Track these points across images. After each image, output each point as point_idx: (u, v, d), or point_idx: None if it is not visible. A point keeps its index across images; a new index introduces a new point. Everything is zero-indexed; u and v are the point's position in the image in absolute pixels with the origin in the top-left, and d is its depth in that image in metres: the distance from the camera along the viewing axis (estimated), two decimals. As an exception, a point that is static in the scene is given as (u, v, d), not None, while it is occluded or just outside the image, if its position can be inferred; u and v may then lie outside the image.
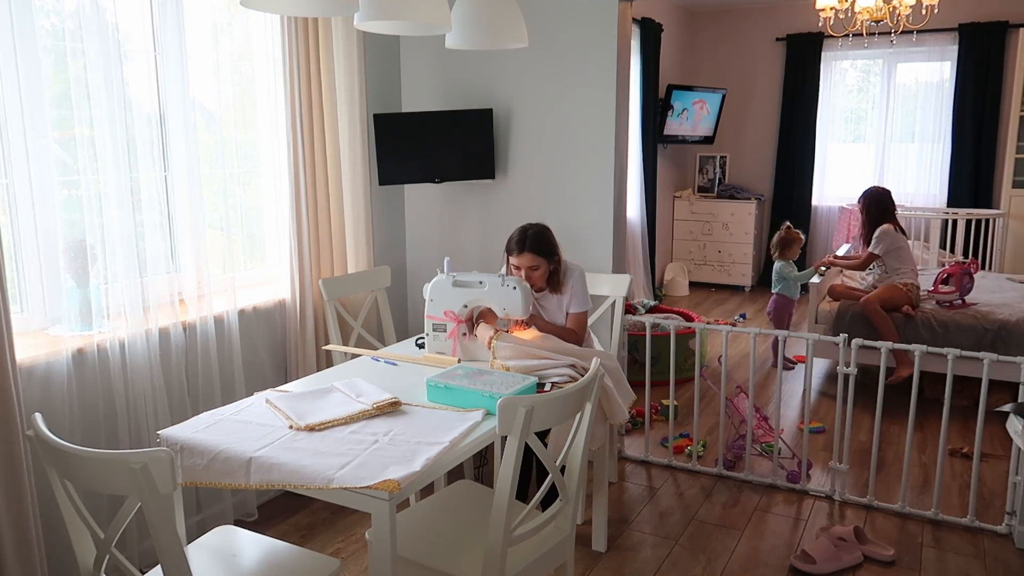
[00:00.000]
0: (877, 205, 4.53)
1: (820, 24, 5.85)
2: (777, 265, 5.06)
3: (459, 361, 2.63)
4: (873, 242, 4.47)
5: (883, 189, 4.62)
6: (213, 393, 2.93)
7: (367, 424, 2.07)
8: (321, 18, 3.23)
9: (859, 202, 4.64)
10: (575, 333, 2.86)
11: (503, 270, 2.92)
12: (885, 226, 4.45)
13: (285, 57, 3.09)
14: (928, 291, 4.49)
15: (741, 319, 6.43)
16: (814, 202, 7.54)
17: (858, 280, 4.92)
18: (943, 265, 5.71)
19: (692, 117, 7.21)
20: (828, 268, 4.85)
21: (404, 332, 4.01)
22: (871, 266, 4.61)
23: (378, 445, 1.93)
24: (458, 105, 3.84)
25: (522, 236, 2.79)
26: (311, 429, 2.03)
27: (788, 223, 5.21)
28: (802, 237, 5.07)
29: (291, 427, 2.04)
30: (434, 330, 2.69)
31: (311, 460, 1.84)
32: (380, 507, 1.73)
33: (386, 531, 1.74)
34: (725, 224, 7.54)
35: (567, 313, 2.90)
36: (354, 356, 2.82)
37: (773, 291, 5.09)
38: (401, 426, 2.06)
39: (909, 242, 4.63)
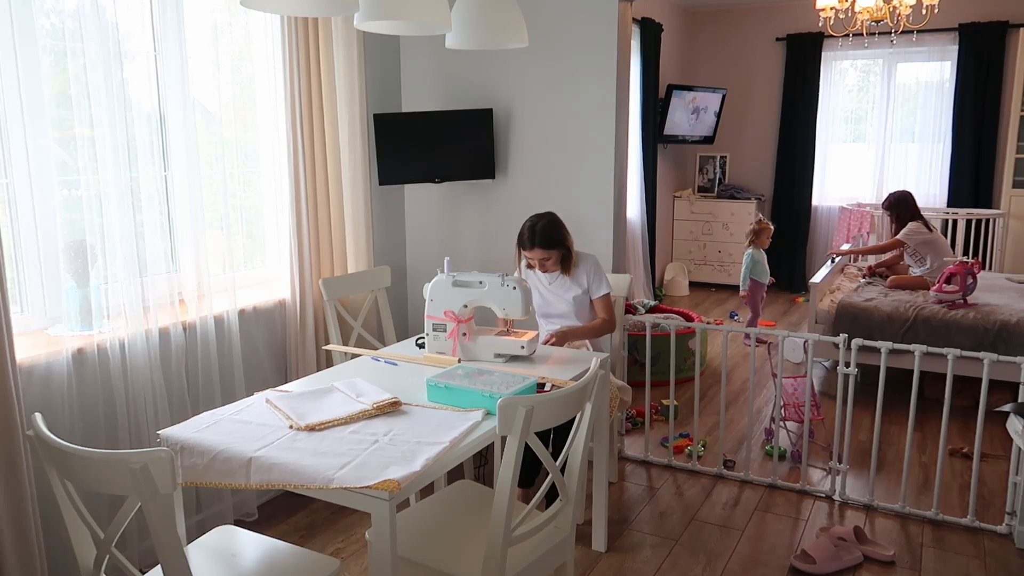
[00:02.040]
0: (906, 207, 5.00)
1: (820, 24, 5.85)
2: (751, 251, 5.64)
3: (459, 361, 2.63)
4: (902, 233, 4.94)
5: (906, 191, 5.09)
6: (213, 393, 2.93)
7: (367, 424, 2.07)
8: (321, 18, 3.23)
9: (883, 207, 5.13)
10: (607, 319, 3.06)
11: (520, 263, 3.10)
12: (912, 223, 4.92)
13: (285, 57, 3.09)
14: (932, 290, 4.49)
15: (733, 318, 6.45)
16: (814, 202, 7.54)
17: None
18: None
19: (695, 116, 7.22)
20: (845, 257, 5.55)
21: (404, 332, 4.01)
22: (923, 260, 4.96)
23: (378, 445, 1.93)
24: (458, 105, 3.84)
25: (531, 232, 2.93)
26: (311, 429, 2.03)
27: (759, 215, 6.04)
28: (772, 227, 5.73)
29: (291, 427, 2.04)
30: (434, 330, 2.69)
31: (311, 460, 1.84)
32: (380, 507, 1.73)
33: (386, 531, 1.74)
34: (725, 224, 7.54)
35: (586, 298, 3.07)
36: (354, 356, 2.82)
37: (749, 277, 5.67)
38: (401, 426, 2.06)
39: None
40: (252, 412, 2.17)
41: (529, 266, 3.08)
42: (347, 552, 2.88)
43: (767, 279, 5.68)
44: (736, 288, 7.57)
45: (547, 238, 2.93)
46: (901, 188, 5.43)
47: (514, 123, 3.76)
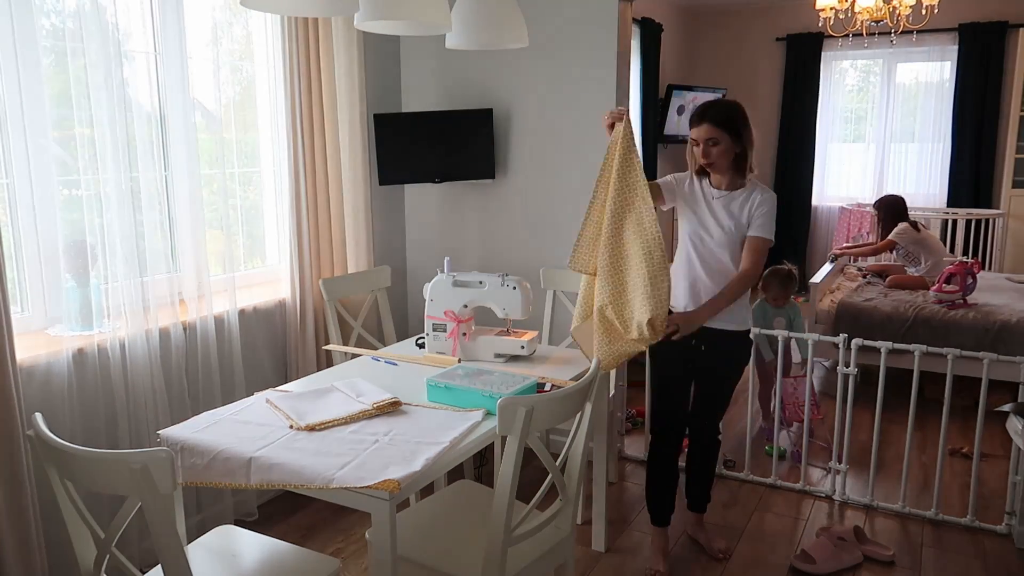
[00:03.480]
0: (891, 211, 5.13)
1: (820, 24, 5.84)
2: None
3: (459, 361, 2.63)
4: (893, 233, 5.04)
5: (897, 197, 5.23)
6: (213, 393, 2.93)
7: (367, 424, 2.07)
8: (321, 18, 3.23)
9: (874, 206, 5.31)
10: (746, 270, 2.52)
11: (687, 157, 2.63)
12: (901, 223, 5.03)
13: (285, 57, 3.09)
14: (932, 290, 4.50)
15: None
16: (814, 202, 7.53)
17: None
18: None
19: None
20: (844, 257, 5.52)
21: (404, 332, 4.01)
22: (917, 259, 5.05)
23: (378, 445, 1.93)
24: (458, 105, 3.84)
25: (705, 106, 2.54)
26: (311, 429, 2.03)
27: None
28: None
29: (291, 427, 2.04)
30: (434, 330, 2.69)
31: (311, 460, 1.84)
32: (380, 507, 1.73)
33: (386, 531, 1.74)
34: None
35: (739, 239, 2.54)
36: (354, 356, 2.82)
37: None
38: (401, 426, 2.06)
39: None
40: (252, 412, 2.17)
41: (700, 170, 2.60)
42: (347, 552, 2.88)
43: None
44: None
45: (721, 115, 2.49)
46: (898, 190, 5.51)
47: (514, 123, 3.76)
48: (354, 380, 2.36)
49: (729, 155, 2.52)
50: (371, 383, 2.34)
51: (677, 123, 7.09)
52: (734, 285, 2.52)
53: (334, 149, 3.37)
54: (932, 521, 3.08)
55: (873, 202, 5.35)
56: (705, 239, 2.57)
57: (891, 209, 5.13)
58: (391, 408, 2.17)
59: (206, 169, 2.99)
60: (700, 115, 2.52)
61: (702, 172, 2.62)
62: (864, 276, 5.32)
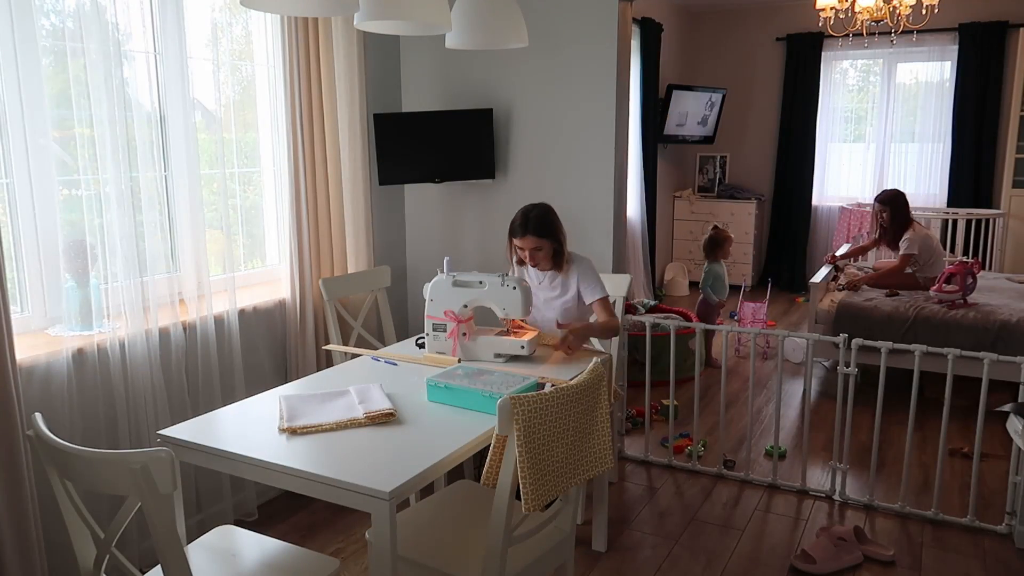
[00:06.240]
0: (903, 206, 4.87)
1: (820, 24, 5.85)
2: (708, 266, 5.35)
3: (459, 361, 2.63)
4: (905, 244, 4.77)
5: (899, 191, 4.95)
6: (213, 393, 2.93)
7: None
8: (321, 18, 3.23)
9: (881, 200, 4.95)
10: (610, 321, 2.88)
11: (511, 258, 2.98)
12: (912, 231, 4.78)
13: (285, 57, 3.09)
14: (932, 290, 4.50)
15: (732, 318, 6.43)
16: (814, 202, 7.54)
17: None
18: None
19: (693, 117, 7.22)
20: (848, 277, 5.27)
21: (404, 332, 4.01)
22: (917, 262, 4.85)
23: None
24: (458, 105, 3.84)
25: (524, 219, 2.82)
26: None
27: (715, 224, 5.70)
28: (731, 236, 5.49)
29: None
30: (434, 330, 2.69)
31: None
32: (380, 507, 1.73)
33: (386, 531, 1.74)
34: (725, 224, 7.52)
35: (575, 307, 2.91)
36: (354, 356, 2.82)
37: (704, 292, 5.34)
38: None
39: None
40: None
41: (520, 261, 2.94)
42: (347, 552, 2.88)
43: (724, 295, 5.35)
44: (736, 288, 7.57)
45: (540, 226, 2.80)
46: (896, 187, 5.33)
47: (514, 123, 3.76)
48: (369, 386, 2.31)
49: (550, 255, 2.86)
50: (384, 391, 2.27)
51: (677, 123, 7.10)
52: (605, 327, 2.87)
53: (334, 149, 3.37)
54: (932, 521, 3.08)
55: (877, 195, 5.07)
56: (536, 318, 2.92)
57: (900, 206, 4.86)
58: (384, 419, 2.10)
59: (206, 169, 2.99)
60: (522, 227, 2.80)
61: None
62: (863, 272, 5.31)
